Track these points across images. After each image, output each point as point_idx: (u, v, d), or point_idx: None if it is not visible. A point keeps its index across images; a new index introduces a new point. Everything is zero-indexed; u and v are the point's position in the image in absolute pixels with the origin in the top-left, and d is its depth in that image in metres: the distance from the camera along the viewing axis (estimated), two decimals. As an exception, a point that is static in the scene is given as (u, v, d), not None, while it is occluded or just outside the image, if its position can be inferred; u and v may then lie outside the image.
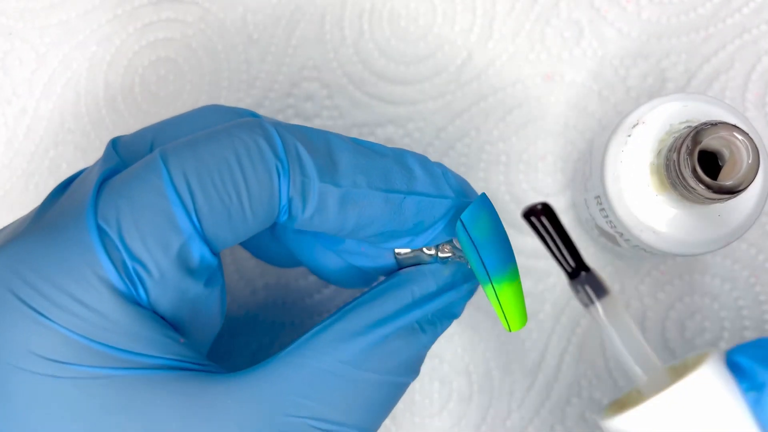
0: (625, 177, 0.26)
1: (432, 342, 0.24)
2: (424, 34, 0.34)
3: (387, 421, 0.32)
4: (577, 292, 0.20)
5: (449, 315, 0.25)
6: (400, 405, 0.32)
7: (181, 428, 0.21)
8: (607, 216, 0.28)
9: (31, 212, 0.23)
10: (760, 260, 0.32)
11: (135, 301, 0.21)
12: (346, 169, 0.23)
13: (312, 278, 0.34)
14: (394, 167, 0.24)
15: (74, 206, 0.21)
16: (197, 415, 0.21)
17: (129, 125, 0.34)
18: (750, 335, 0.32)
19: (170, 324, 0.22)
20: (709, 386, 0.20)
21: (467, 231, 0.23)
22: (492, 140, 0.33)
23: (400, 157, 0.24)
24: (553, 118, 0.33)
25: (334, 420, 0.22)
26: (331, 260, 0.27)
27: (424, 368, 0.32)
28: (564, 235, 0.20)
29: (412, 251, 0.25)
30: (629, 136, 0.27)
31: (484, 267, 0.23)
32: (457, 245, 0.25)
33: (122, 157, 0.24)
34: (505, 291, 0.23)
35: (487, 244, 0.23)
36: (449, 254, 0.25)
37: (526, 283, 0.33)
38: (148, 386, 0.21)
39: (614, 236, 0.29)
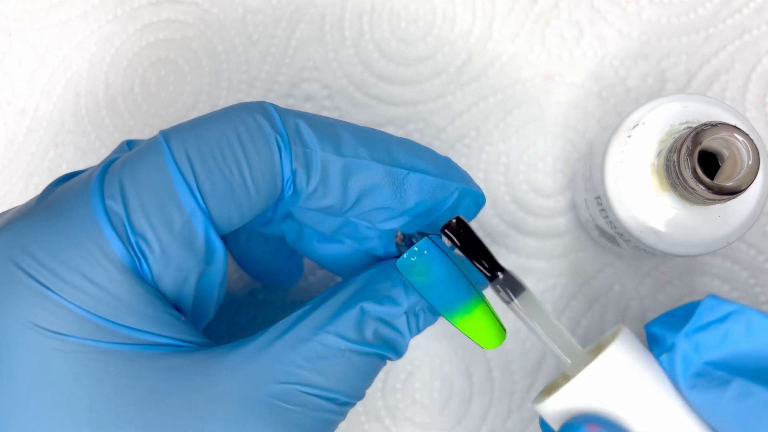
0: (625, 178, 0.26)
1: (419, 329, 0.24)
2: (424, 35, 0.34)
3: (387, 422, 0.32)
4: (497, 291, 0.22)
5: (435, 312, 0.25)
6: (401, 405, 0.32)
7: (179, 400, 0.21)
8: (607, 216, 0.28)
9: (33, 198, 0.23)
10: (760, 261, 0.32)
11: (140, 278, 0.21)
12: (349, 141, 0.23)
13: (312, 279, 0.34)
14: (398, 146, 0.24)
15: (80, 186, 0.22)
16: (194, 386, 0.21)
17: (129, 126, 0.34)
18: (750, 336, 0.32)
19: (172, 302, 0.22)
20: (622, 358, 0.22)
21: (404, 277, 0.23)
22: (492, 141, 0.33)
23: (404, 140, 0.25)
24: (553, 118, 0.33)
25: (322, 386, 0.22)
26: (359, 260, 0.28)
27: (425, 369, 0.32)
28: (479, 243, 0.22)
29: (409, 242, 0.25)
30: (629, 136, 0.27)
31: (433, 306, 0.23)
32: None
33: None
34: (464, 323, 0.23)
35: (429, 288, 0.23)
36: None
37: (526, 283, 0.33)
38: (150, 362, 0.21)
39: (614, 237, 0.29)
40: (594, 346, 0.24)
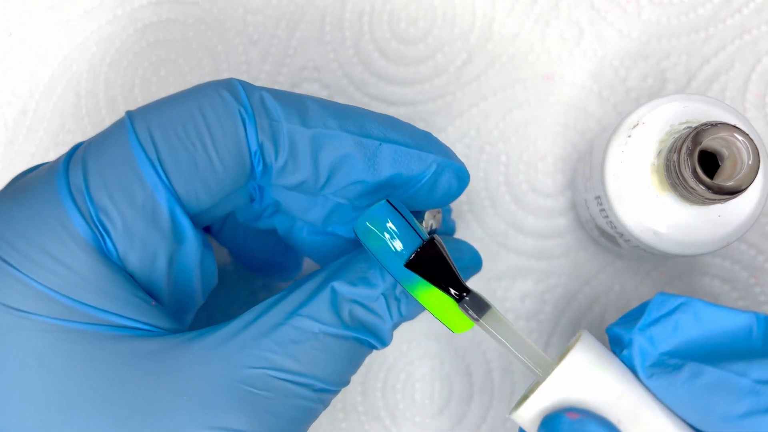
0: (625, 177, 0.26)
1: (396, 318, 0.23)
2: (424, 36, 0.34)
3: (387, 421, 0.32)
4: (465, 311, 0.23)
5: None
6: (401, 406, 0.32)
7: (144, 383, 0.21)
8: (607, 216, 0.28)
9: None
10: (760, 261, 0.32)
11: (105, 257, 0.21)
12: (316, 112, 0.22)
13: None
14: (370, 117, 0.23)
15: (47, 168, 0.22)
16: (159, 370, 0.21)
17: (129, 126, 0.34)
18: (750, 336, 0.32)
19: (144, 286, 0.22)
20: (584, 359, 0.23)
21: (361, 241, 0.22)
22: (492, 141, 0.33)
23: (379, 114, 0.24)
24: (553, 118, 0.33)
25: (295, 371, 0.22)
26: (322, 240, 0.27)
27: (425, 368, 0.32)
28: (447, 266, 0.23)
29: None
30: (629, 136, 0.27)
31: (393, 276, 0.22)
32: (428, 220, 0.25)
33: None
34: (427, 297, 0.22)
35: (387, 254, 0.22)
36: (437, 225, 0.25)
37: (526, 283, 0.33)
38: (114, 344, 0.21)
39: (614, 236, 0.29)
40: (561, 354, 0.24)
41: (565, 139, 0.33)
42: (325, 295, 0.22)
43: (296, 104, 0.22)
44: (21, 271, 0.20)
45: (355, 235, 0.22)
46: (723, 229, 0.26)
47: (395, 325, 0.24)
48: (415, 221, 0.22)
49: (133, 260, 0.21)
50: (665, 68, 0.33)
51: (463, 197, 0.33)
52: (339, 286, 0.22)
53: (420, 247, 0.22)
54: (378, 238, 0.22)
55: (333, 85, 0.34)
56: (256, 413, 0.21)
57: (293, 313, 0.22)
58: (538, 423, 0.23)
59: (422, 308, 0.24)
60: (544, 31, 0.34)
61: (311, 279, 0.23)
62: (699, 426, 0.23)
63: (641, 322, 0.24)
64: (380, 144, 0.23)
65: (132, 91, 0.35)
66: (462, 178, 0.25)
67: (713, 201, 0.24)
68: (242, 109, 0.22)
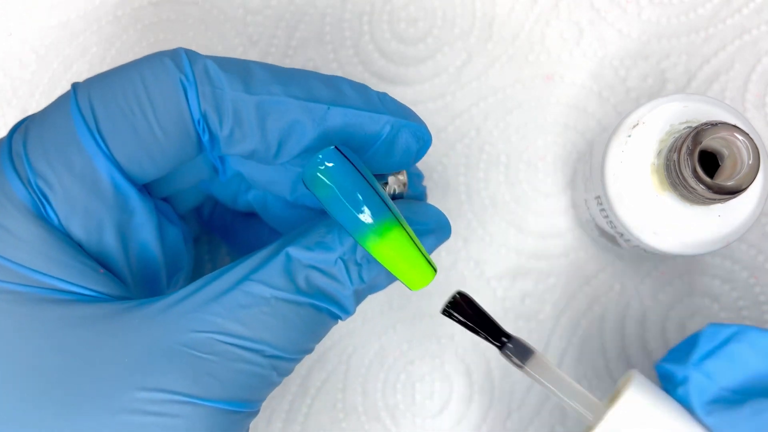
0: (625, 177, 0.26)
1: (357, 284, 0.22)
2: (424, 36, 0.34)
3: (387, 422, 0.32)
4: (508, 358, 0.23)
5: (369, 259, 0.23)
6: (401, 406, 0.32)
7: (89, 349, 0.21)
8: (607, 216, 0.28)
9: None
10: (760, 261, 0.32)
11: (48, 223, 0.21)
12: (261, 78, 0.22)
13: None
14: (317, 81, 0.23)
15: None
16: (102, 335, 0.21)
17: (129, 126, 0.34)
18: (750, 335, 0.32)
19: (95, 256, 0.22)
20: (638, 400, 0.22)
21: (309, 189, 0.21)
22: (492, 140, 0.33)
23: (330, 78, 0.23)
24: (553, 118, 0.33)
25: (242, 335, 0.21)
26: (297, 214, 0.27)
27: (425, 368, 0.32)
28: (484, 314, 0.23)
29: None
30: (629, 136, 0.27)
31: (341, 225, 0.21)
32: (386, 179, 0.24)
33: None
34: (379, 249, 0.21)
35: (333, 202, 0.21)
36: (402, 189, 0.24)
37: (526, 282, 0.33)
38: (56, 306, 0.21)
39: (614, 236, 0.29)
40: (611, 395, 0.24)
41: (565, 139, 0.33)
42: (278, 261, 0.22)
43: (241, 71, 0.22)
44: None
45: (304, 184, 0.21)
46: (723, 229, 0.26)
47: (358, 293, 0.23)
48: (364, 167, 0.21)
49: (77, 228, 0.21)
50: (665, 68, 0.33)
51: (463, 197, 0.33)
52: (294, 251, 0.22)
53: (454, 296, 0.21)
54: (325, 186, 0.21)
55: (333, 85, 0.34)
56: (198, 376, 0.21)
57: (244, 278, 0.21)
58: None
59: (390, 277, 0.23)
60: (544, 31, 0.34)
61: (268, 247, 0.23)
62: None
63: (695, 356, 0.22)
64: (329, 108, 0.22)
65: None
66: (421, 137, 0.24)
67: (713, 201, 0.24)
68: (183, 77, 0.21)
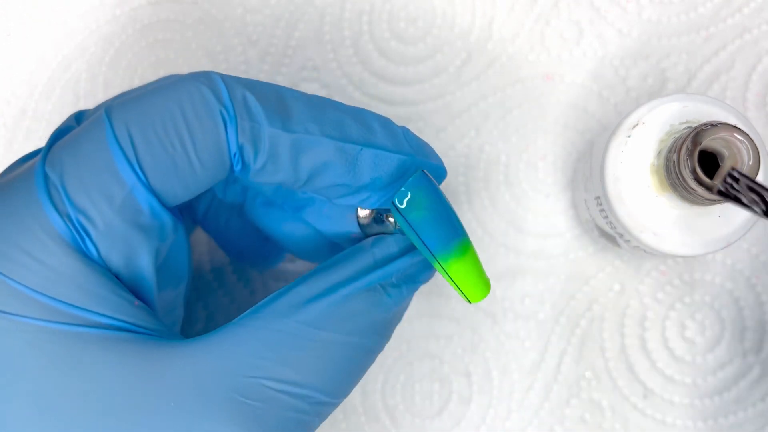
0: (625, 178, 0.26)
1: (398, 304, 0.23)
2: (424, 35, 0.34)
3: (387, 422, 0.32)
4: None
5: (414, 279, 0.24)
6: (400, 406, 0.32)
7: (130, 390, 0.20)
8: (607, 217, 0.28)
9: None
10: (761, 261, 0.32)
11: (86, 256, 0.21)
12: (299, 116, 0.22)
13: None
14: (350, 119, 0.23)
15: (26, 167, 0.22)
16: (148, 377, 0.20)
17: (128, 126, 0.34)
18: (751, 335, 0.32)
19: (129, 286, 0.22)
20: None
21: (400, 213, 0.22)
22: (492, 140, 0.33)
23: (358, 112, 0.24)
24: (553, 118, 0.33)
25: (291, 380, 0.21)
26: (298, 229, 0.27)
27: (425, 369, 0.32)
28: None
29: (374, 220, 0.25)
30: (629, 136, 0.27)
31: (426, 247, 0.22)
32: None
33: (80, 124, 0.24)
34: (455, 268, 0.23)
35: (424, 224, 0.22)
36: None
37: (526, 282, 0.33)
38: (97, 344, 0.20)
39: (614, 237, 0.29)
40: None
41: (565, 139, 0.33)
42: (326, 301, 0.22)
43: (278, 104, 0.22)
44: (1, 272, 0.20)
45: (394, 208, 0.22)
46: (723, 229, 0.26)
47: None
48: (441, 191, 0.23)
49: (116, 259, 0.21)
50: (665, 68, 0.33)
51: (462, 197, 0.33)
52: (343, 290, 0.22)
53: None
54: (420, 209, 0.22)
55: (332, 84, 0.34)
56: (246, 423, 0.21)
57: (288, 317, 0.22)
58: None
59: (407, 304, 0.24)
60: (544, 30, 0.34)
61: (305, 282, 0.23)
62: None
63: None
64: (361, 149, 0.23)
65: (131, 91, 0.35)
66: (439, 175, 0.25)
67: (713, 201, 0.24)
68: (224, 110, 0.21)
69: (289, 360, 0.21)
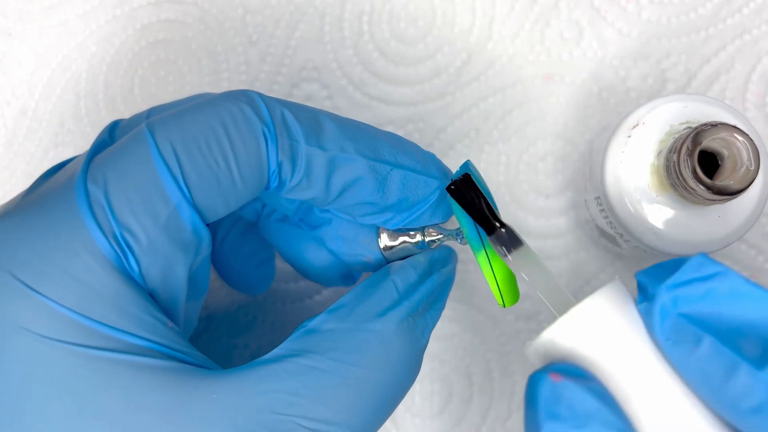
0: (625, 178, 0.26)
1: (425, 336, 0.24)
2: (424, 36, 0.34)
3: (387, 422, 0.32)
4: (494, 244, 0.24)
5: (436, 306, 0.24)
6: (401, 407, 0.32)
7: (164, 420, 0.20)
8: (607, 217, 0.28)
9: (22, 192, 0.23)
10: (760, 261, 0.32)
11: (125, 274, 0.21)
12: (333, 134, 0.23)
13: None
14: (382, 140, 0.24)
15: (64, 180, 0.21)
16: (181, 408, 0.20)
17: (128, 126, 0.34)
18: (750, 336, 0.32)
19: (163, 303, 0.22)
20: (602, 306, 0.22)
21: (455, 196, 0.23)
22: (492, 141, 0.33)
23: (388, 134, 0.24)
24: (552, 118, 0.33)
25: (325, 419, 0.21)
26: (313, 252, 0.27)
27: (425, 369, 0.32)
28: (484, 197, 0.24)
29: (399, 243, 0.25)
30: (629, 137, 0.27)
31: (478, 231, 0.23)
32: (440, 230, 0.25)
33: (116, 138, 0.24)
34: (499, 261, 0.24)
35: (473, 213, 0.23)
36: (436, 236, 0.25)
37: (526, 283, 0.33)
38: (131, 372, 0.20)
39: (614, 237, 0.29)
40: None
41: (565, 139, 0.33)
42: (361, 338, 0.22)
43: (315, 124, 0.23)
44: (40, 293, 0.20)
45: (449, 192, 0.23)
46: (723, 230, 0.26)
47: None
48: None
49: (156, 275, 0.21)
50: (665, 68, 0.33)
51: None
52: (370, 325, 0.22)
53: (459, 177, 0.23)
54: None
55: (332, 85, 0.34)
56: None
57: (325, 356, 0.22)
58: (543, 363, 0.22)
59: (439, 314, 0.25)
60: (544, 30, 0.34)
61: (332, 318, 0.23)
62: (708, 400, 0.22)
63: (672, 278, 0.22)
64: (391, 169, 0.24)
65: (131, 91, 0.35)
66: None
67: (713, 201, 0.24)
68: (265, 129, 0.22)
69: (324, 398, 0.21)
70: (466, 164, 0.24)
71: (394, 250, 0.26)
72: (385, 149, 0.24)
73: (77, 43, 0.35)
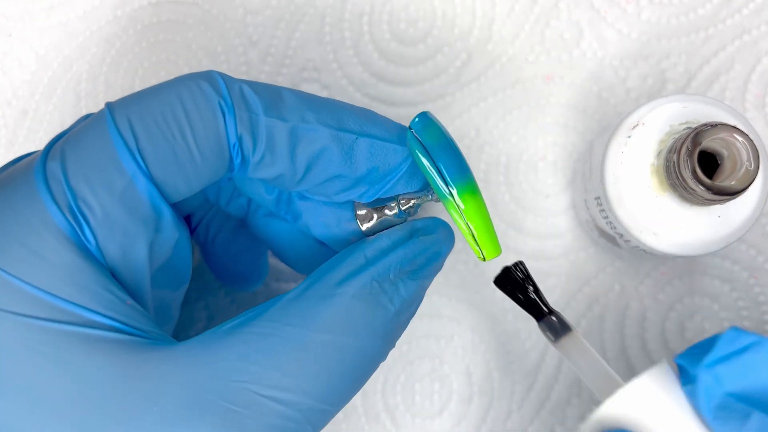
0: (625, 178, 0.26)
1: (394, 303, 0.23)
2: (424, 36, 0.34)
3: (387, 423, 0.32)
4: (543, 331, 0.24)
5: (413, 276, 0.23)
6: (401, 406, 0.32)
7: (116, 392, 0.20)
8: (607, 217, 0.28)
9: None
10: (760, 261, 0.32)
11: (83, 249, 0.21)
12: (294, 105, 0.23)
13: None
14: (346, 110, 0.23)
15: (27, 161, 0.22)
16: (133, 378, 0.20)
17: (129, 127, 0.34)
18: (750, 336, 0.32)
19: (124, 281, 0.22)
20: (650, 388, 0.23)
21: (418, 138, 0.23)
22: (492, 141, 0.33)
23: (359, 108, 0.24)
24: (553, 118, 0.33)
25: (279, 385, 0.20)
26: (300, 243, 0.27)
27: (425, 369, 0.32)
28: (535, 285, 0.25)
29: (376, 217, 0.25)
30: (629, 137, 0.27)
31: (442, 176, 0.23)
32: (412, 195, 0.25)
33: None
34: (469, 205, 0.23)
35: (440, 151, 0.23)
36: (412, 201, 0.25)
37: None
38: (87, 344, 0.20)
39: (614, 237, 0.29)
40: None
41: (565, 140, 0.33)
42: (318, 301, 0.22)
43: (274, 97, 0.22)
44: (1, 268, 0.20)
45: (412, 133, 0.23)
46: (723, 230, 0.26)
47: (396, 324, 0.23)
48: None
49: (114, 249, 0.21)
50: (665, 68, 0.33)
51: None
52: (344, 288, 0.22)
53: (507, 267, 0.24)
54: (435, 131, 0.23)
55: (333, 85, 0.34)
56: (227, 431, 0.20)
57: (284, 322, 0.21)
58: None
59: (417, 303, 0.24)
60: (544, 31, 0.34)
61: (294, 289, 0.22)
62: None
63: (709, 357, 0.22)
64: (357, 138, 0.23)
65: (132, 91, 0.35)
66: None
67: (713, 202, 0.24)
68: (222, 101, 0.22)
69: (278, 364, 0.20)
70: (424, 114, 0.23)
71: (372, 224, 0.25)
72: (349, 119, 0.23)
73: (78, 43, 0.35)
